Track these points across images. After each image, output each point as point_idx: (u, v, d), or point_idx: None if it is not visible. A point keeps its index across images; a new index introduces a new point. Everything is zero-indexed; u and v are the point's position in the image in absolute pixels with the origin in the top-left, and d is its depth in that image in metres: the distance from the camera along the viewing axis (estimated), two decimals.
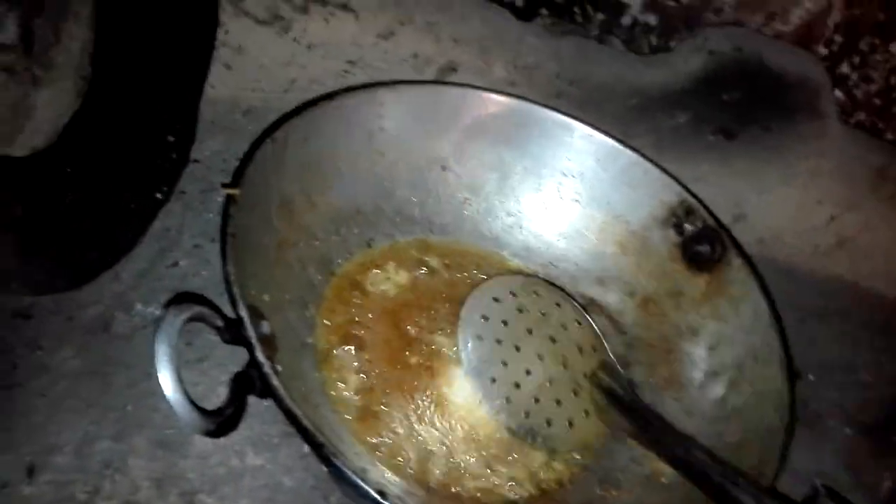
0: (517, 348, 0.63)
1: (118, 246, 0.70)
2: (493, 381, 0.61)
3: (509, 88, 0.81)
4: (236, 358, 0.51)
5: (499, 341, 0.62)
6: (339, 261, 0.69)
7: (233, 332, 0.48)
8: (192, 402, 0.44)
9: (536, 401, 0.61)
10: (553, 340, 0.64)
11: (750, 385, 0.64)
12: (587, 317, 0.67)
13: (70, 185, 0.68)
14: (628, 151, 0.73)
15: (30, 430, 0.57)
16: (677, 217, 0.72)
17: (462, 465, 0.59)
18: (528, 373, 0.62)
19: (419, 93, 0.74)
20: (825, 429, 0.78)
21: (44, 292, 0.62)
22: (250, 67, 0.80)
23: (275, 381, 0.45)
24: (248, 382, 0.49)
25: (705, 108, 0.85)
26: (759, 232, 0.92)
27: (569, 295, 0.70)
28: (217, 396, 0.59)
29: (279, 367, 0.48)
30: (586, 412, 0.62)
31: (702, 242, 0.71)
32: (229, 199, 0.53)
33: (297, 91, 0.81)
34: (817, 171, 0.90)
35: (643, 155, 0.73)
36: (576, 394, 0.62)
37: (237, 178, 0.55)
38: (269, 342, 0.50)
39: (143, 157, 0.74)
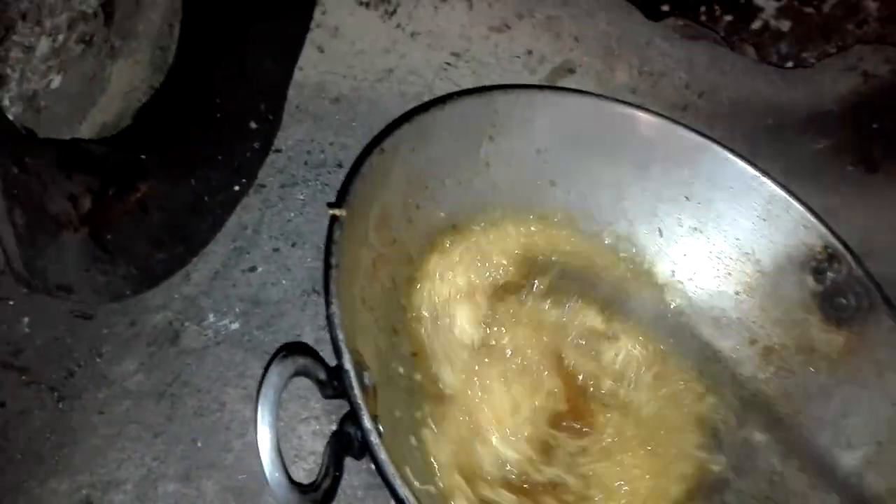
0: None
1: (190, 243, 0.64)
2: None
3: (631, 97, 0.72)
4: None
5: None
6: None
7: (335, 387, 0.40)
8: (292, 480, 0.36)
9: None
10: None
11: (893, 470, 0.56)
12: None
13: (143, 175, 0.61)
14: (769, 183, 0.64)
15: (87, 455, 0.51)
16: (819, 262, 0.63)
17: None
18: None
19: (535, 99, 0.65)
20: None
21: (109, 299, 0.55)
22: (345, 52, 0.72)
23: (383, 456, 0.38)
24: (346, 442, 0.42)
25: (850, 135, 0.75)
26: (882, 271, 0.83)
27: None
28: (298, 437, 0.52)
29: (382, 429, 0.41)
30: None
31: (845, 294, 0.62)
32: (333, 221, 0.46)
33: (393, 81, 0.73)
34: None
35: (786, 188, 0.64)
36: None
37: (343, 194, 0.47)
38: (372, 395, 0.43)
39: (222, 145, 0.67)
